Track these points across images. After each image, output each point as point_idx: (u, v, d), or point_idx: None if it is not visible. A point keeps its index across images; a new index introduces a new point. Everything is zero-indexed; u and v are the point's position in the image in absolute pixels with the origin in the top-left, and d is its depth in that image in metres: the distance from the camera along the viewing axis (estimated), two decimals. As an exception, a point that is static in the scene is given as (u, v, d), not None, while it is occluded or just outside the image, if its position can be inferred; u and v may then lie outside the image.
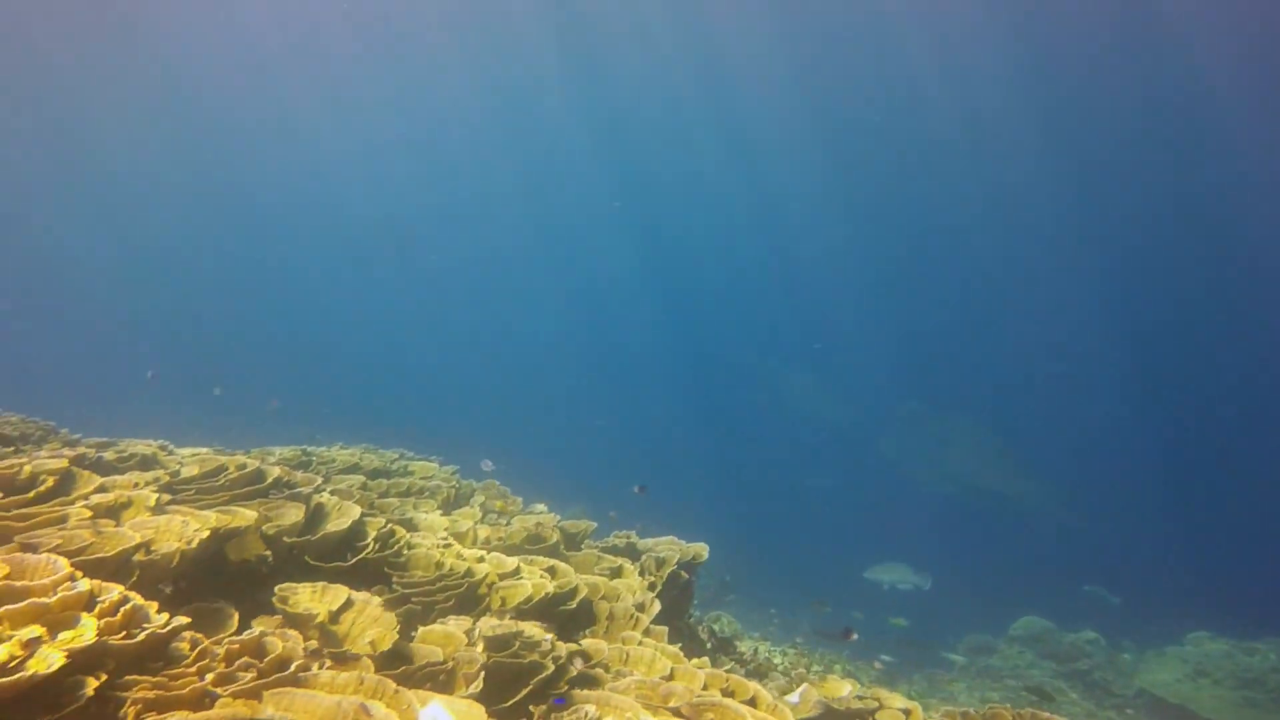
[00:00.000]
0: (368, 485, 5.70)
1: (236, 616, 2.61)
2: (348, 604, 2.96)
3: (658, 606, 3.75)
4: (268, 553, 3.76)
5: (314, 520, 4.09)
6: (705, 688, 2.90)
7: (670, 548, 4.79)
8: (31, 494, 3.18)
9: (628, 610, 3.68)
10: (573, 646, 3.06)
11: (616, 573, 4.31)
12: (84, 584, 2.06)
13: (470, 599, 3.60)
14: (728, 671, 3.62)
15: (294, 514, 3.97)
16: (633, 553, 4.77)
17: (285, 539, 3.75)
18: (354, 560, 3.75)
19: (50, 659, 1.67)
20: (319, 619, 2.85)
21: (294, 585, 3.02)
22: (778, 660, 6.09)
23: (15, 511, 2.92)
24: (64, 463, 3.51)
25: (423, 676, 2.51)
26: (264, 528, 3.71)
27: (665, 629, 3.60)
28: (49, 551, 2.46)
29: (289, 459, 6.38)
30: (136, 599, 2.15)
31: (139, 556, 2.53)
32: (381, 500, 5.01)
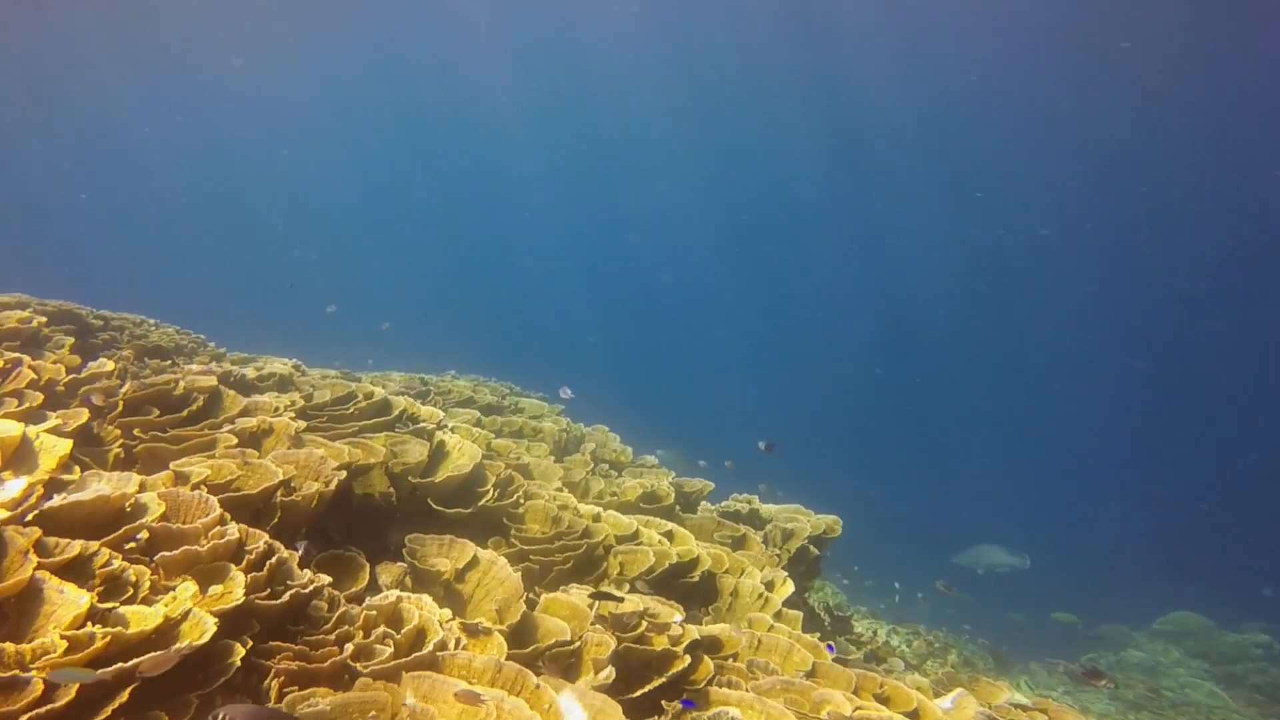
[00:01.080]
0: (481, 421, 5.72)
1: (368, 570, 2.55)
2: (473, 562, 2.87)
3: (790, 587, 3.47)
4: (391, 490, 3.77)
5: (436, 458, 4.07)
6: (856, 691, 2.61)
7: (797, 517, 4.45)
8: (185, 412, 3.27)
9: (754, 588, 3.43)
10: (703, 630, 2.84)
11: (739, 543, 4.05)
12: (234, 530, 2.00)
13: (588, 561, 3.47)
14: (864, 663, 3.34)
15: (418, 451, 3.95)
16: (755, 520, 4.49)
17: (410, 478, 3.74)
18: (474, 508, 3.70)
19: (204, 625, 1.59)
20: (445, 576, 2.78)
21: (422, 537, 2.96)
22: (895, 643, 5.73)
23: (170, 433, 3.00)
24: (213, 381, 3.60)
25: (550, 658, 2.36)
26: (390, 464, 3.71)
27: (799, 614, 3.32)
28: (200, 482, 2.47)
29: (409, 386, 6.53)
30: (281, 551, 2.08)
31: (281, 496, 2.49)
32: (497, 441, 4.97)
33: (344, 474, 2.80)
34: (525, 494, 3.91)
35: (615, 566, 3.39)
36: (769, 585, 3.50)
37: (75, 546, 1.74)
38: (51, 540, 1.76)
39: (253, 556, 1.96)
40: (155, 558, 1.84)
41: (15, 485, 2.30)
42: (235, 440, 2.96)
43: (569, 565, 3.35)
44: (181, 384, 3.52)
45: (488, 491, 3.81)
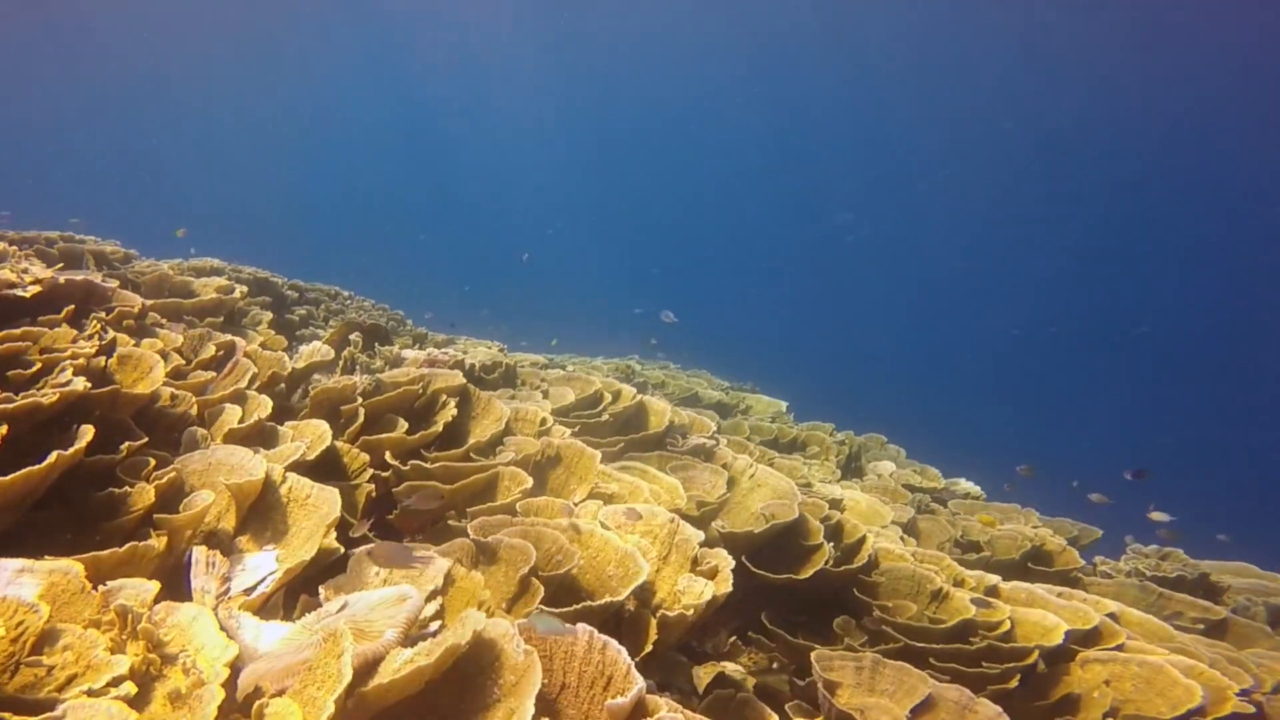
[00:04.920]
0: (722, 428, 4.58)
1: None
2: (929, 703, 1.66)
3: None
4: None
5: (731, 491, 2.95)
6: None
7: (1267, 585, 2.91)
8: (438, 425, 2.34)
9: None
10: None
11: (1216, 629, 2.60)
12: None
13: (1031, 681, 2.18)
14: None
15: (712, 482, 2.85)
16: (1204, 589, 2.96)
17: (712, 523, 2.63)
18: (809, 574, 2.52)
19: None
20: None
21: (827, 654, 1.79)
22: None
23: (435, 461, 2.03)
24: (459, 379, 2.67)
25: None
26: (684, 505, 2.59)
27: None
28: (529, 571, 1.44)
29: (620, 373, 5.54)
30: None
31: (633, 604, 1.41)
32: (778, 460, 3.79)
33: (730, 568, 1.68)
34: (875, 553, 2.67)
35: (1097, 691, 2.06)
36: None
37: None
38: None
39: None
40: None
41: (263, 564, 1.37)
42: (528, 481, 1.94)
43: (1011, 683, 2.07)
44: (421, 381, 2.60)
45: (820, 547, 2.61)
